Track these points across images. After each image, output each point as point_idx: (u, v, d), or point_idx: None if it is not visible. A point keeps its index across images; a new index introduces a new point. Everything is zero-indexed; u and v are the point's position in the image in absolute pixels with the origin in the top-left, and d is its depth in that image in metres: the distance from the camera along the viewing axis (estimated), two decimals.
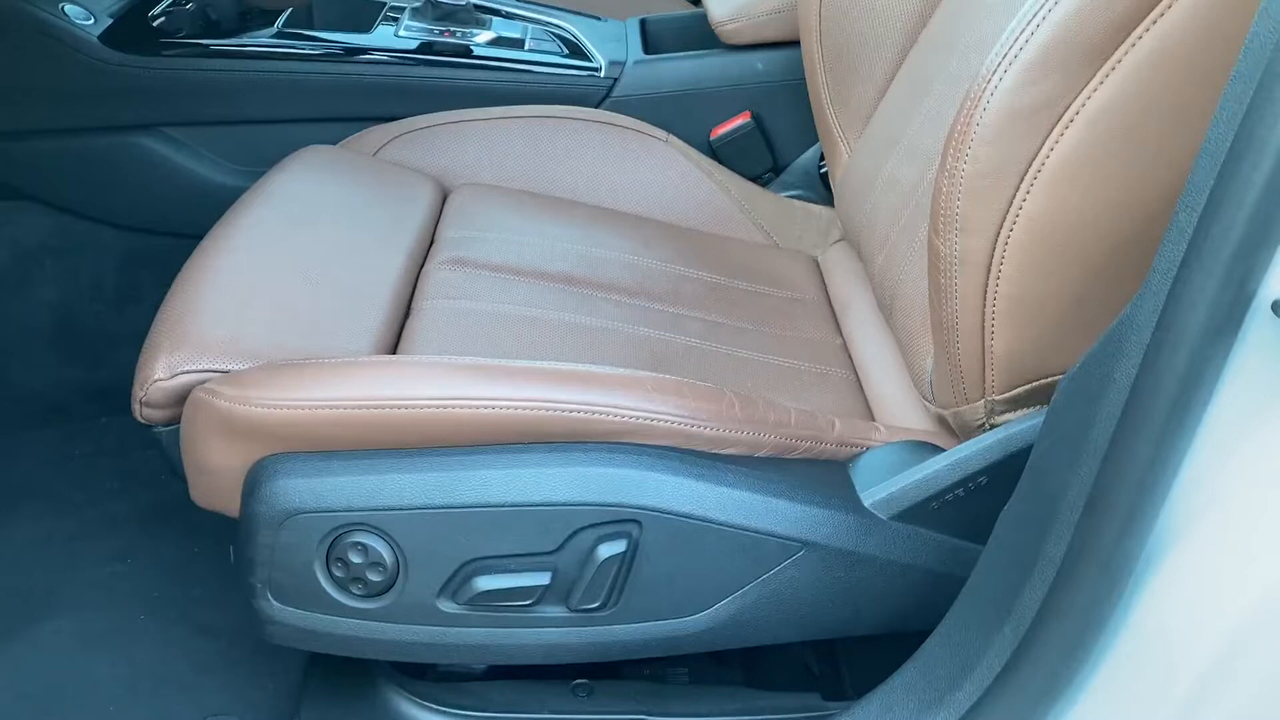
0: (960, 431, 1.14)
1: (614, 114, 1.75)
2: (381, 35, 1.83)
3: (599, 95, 1.81)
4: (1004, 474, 1.05)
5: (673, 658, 1.29)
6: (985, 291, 1.02)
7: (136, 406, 1.16)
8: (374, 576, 1.09)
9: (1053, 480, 0.95)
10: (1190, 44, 0.92)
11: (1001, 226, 0.99)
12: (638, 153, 1.70)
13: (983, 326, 1.04)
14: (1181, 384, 0.83)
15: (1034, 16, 0.94)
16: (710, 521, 1.08)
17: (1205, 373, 0.83)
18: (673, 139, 1.72)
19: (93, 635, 1.47)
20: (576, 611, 1.11)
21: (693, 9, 2.05)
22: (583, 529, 1.08)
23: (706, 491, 1.08)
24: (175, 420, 1.16)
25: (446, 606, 1.10)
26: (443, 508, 1.07)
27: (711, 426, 1.11)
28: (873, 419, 1.31)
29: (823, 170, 1.78)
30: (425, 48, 1.81)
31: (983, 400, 1.09)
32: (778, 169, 1.83)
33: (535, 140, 1.69)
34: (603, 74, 1.82)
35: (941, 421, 1.19)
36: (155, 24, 1.75)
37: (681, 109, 1.80)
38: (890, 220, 1.37)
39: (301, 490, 1.07)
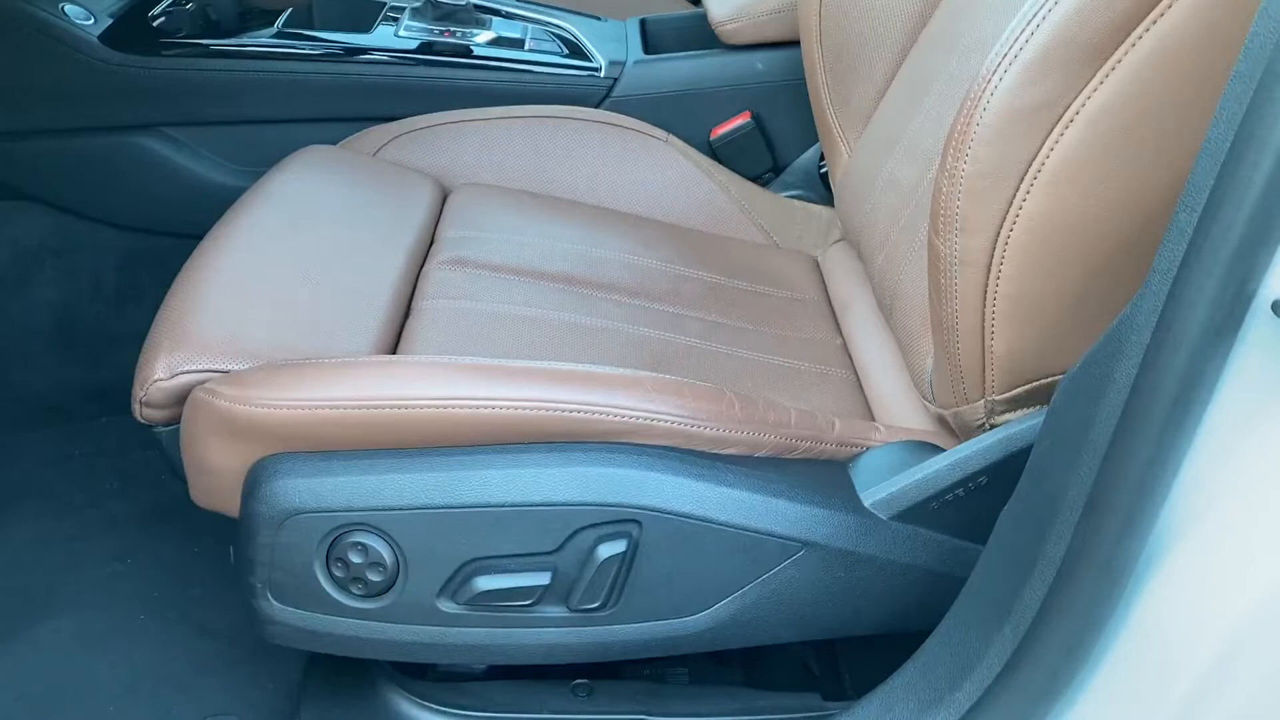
0: (960, 431, 1.14)
1: (614, 114, 1.75)
2: (381, 35, 1.83)
3: (599, 95, 1.80)
4: (1004, 474, 1.05)
5: (673, 658, 1.29)
6: (985, 291, 1.02)
7: (136, 406, 1.16)
8: (374, 576, 1.09)
9: (1053, 480, 0.95)
10: (1190, 44, 0.92)
11: (1001, 226, 0.99)
12: (638, 153, 1.70)
13: (983, 326, 1.04)
14: (1181, 384, 0.83)
15: (1034, 17, 0.94)
16: (710, 521, 1.08)
17: (1205, 373, 0.83)
18: (673, 139, 1.72)
19: (93, 635, 1.47)
20: (576, 611, 1.11)
21: (693, 9, 2.05)
22: (583, 529, 1.08)
23: (706, 491, 1.08)
24: (175, 420, 1.15)
25: (446, 606, 1.10)
26: (443, 508, 1.07)
27: (711, 426, 1.11)
28: (873, 419, 1.31)
29: (823, 170, 1.78)
30: (425, 48, 1.81)
31: (983, 400, 1.09)
32: (778, 169, 1.83)
33: (535, 140, 1.69)
34: (603, 74, 1.82)
35: (941, 421, 1.19)
36: (155, 24, 1.75)
37: (681, 109, 1.80)
38: (890, 220, 1.37)
39: (301, 490, 1.07)
